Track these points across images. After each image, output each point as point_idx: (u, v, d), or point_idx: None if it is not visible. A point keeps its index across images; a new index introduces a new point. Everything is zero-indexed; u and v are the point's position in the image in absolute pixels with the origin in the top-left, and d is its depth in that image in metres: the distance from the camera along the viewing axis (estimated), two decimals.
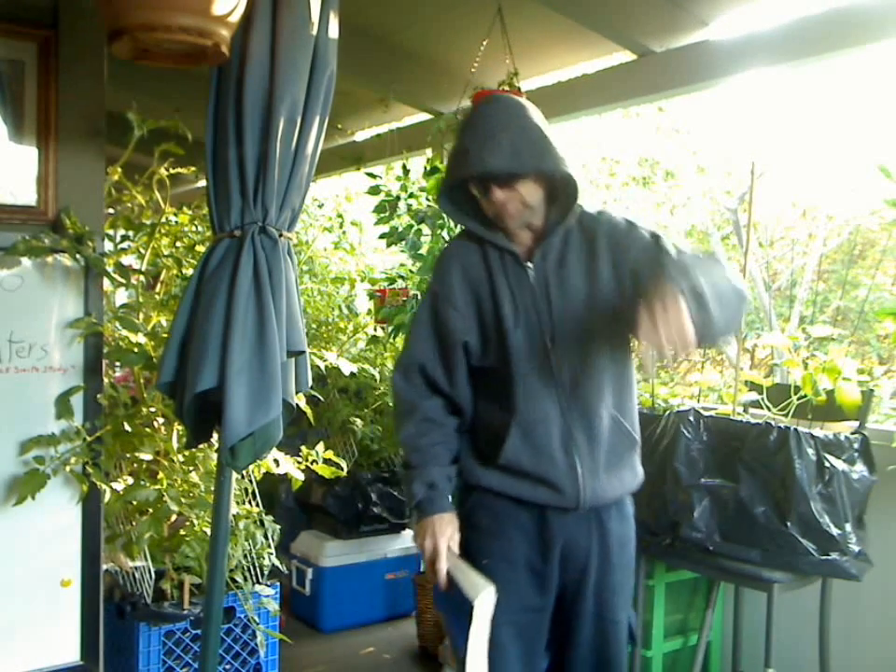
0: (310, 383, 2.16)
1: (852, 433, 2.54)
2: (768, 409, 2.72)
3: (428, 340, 2.01)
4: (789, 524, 2.38)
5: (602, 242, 1.93)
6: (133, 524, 2.61)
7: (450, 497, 1.97)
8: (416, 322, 2.06)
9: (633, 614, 2.11)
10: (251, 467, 2.55)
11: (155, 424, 2.64)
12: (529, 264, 1.93)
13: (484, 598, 1.79)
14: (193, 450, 2.59)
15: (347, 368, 3.17)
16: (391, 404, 2.11)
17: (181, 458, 2.66)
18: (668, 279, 1.66)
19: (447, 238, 3.55)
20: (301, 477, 2.68)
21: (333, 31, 2.03)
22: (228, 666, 2.73)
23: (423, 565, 1.98)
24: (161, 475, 2.62)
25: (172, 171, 2.61)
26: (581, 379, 1.91)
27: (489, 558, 1.95)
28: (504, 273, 1.95)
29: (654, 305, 1.61)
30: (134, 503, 2.52)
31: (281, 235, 1.99)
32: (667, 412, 2.75)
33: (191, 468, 2.68)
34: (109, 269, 2.46)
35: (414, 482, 1.96)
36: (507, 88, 3.28)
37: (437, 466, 1.97)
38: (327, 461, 2.74)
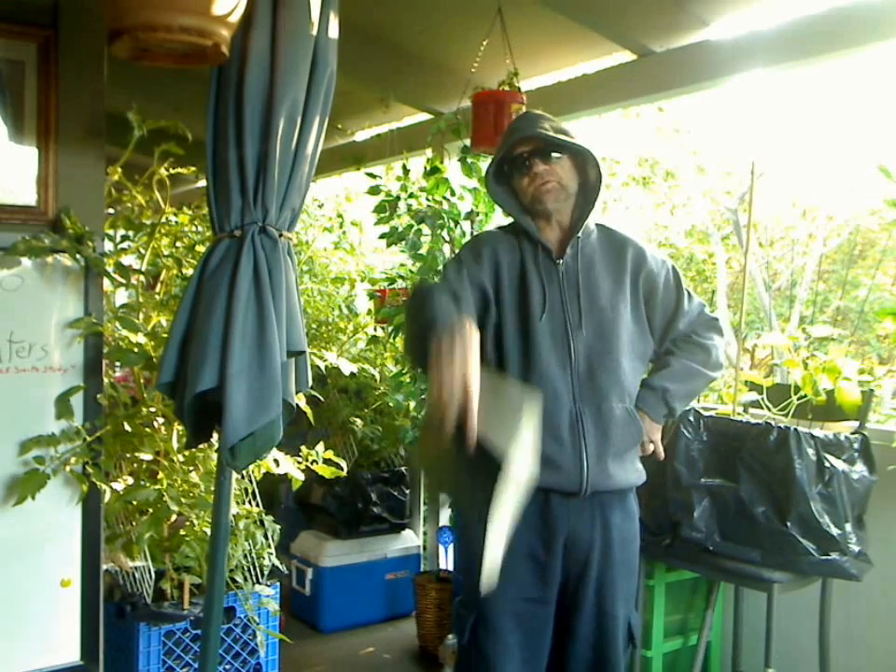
0: (310, 383, 2.16)
1: (852, 433, 2.54)
2: (768, 409, 2.72)
3: (456, 280, 2.08)
4: (789, 524, 2.38)
5: (629, 261, 2.15)
6: (133, 524, 2.61)
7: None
8: (444, 276, 2.14)
9: (635, 615, 2.13)
10: (251, 467, 2.55)
11: (155, 424, 2.64)
12: (560, 260, 2.10)
13: (521, 461, 1.51)
14: (193, 450, 2.59)
15: (347, 368, 3.17)
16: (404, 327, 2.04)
17: (181, 458, 2.66)
18: (652, 411, 2.11)
19: (447, 238, 3.55)
20: (302, 477, 2.68)
21: (333, 31, 2.03)
22: (228, 666, 2.73)
23: (444, 398, 1.52)
24: (160, 475, 2.62)
25: (172, 171, 2.61)
26: (598, 369, 2.04)
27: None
28: (535, 264, 2.10)
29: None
30: (134, 503, 2.52)
31: (281, 235, 1.99)
32: None
33: (191, 468, 2.68)
34: (109, 269, 2.46)
35: (431, 300, 1.83)
36: (507, 88, 3.28)
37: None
38: (327, 461, 2.74)
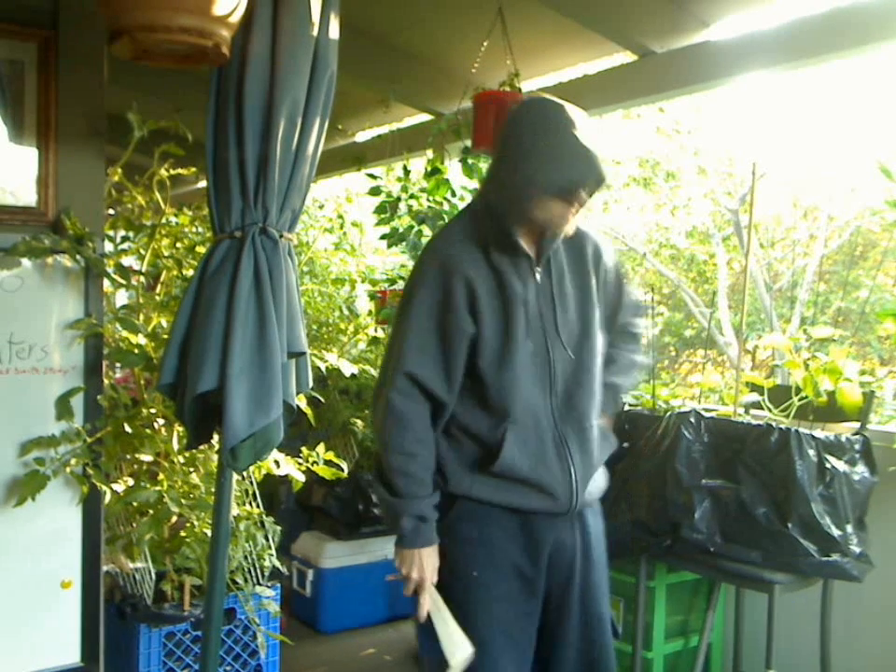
0: (310, 384, 2.16)
1: (853, 434, 2.53)
2: (769, 410, 2.72)
3: (426, 348, 1.87)
4: (790, 525, 2.38)
5: (590, 258, 2.01)
6: (134, 525, 2.61)
7: (435, 527, 1.91)
8: (409, 329, 1.88)
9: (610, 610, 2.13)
10: (252, 468, 2.55)
11: (155, 425, 2.64)
12: (538, 268, 1.93)
13: (461, 659, 1.82)
14: (194, 451, 2.59)
15: (348, 369, 3.16)
16: (377, 416, 1.93)
17: (181, 460, 2.66)
18: (608, 409, 2.08)
19: None
20: (302, 478, 2.68)
21: (334, 31, 2.03)
22: (228, 668, 2.72)
23: (405, 590, 1.92)
24: (161, 476, 2.61)
25: (172, 172, 2.61)
26: (574, 388, 1.94)
27: (476, 569, 1.92)
28: (519, 279, 1.90)
29: None
30: (135, 504, 2.52)
31: (282, 236, 1.99)
32: (668, 413, 2.75)
33: (192, 469, 2.68)
34: (109, 270, 2.46)
35: (403, 514, 1.88)
36: (507, 88, 3.27)
37: (426, 497, 1.89)
38: (327, 462, 2.74)
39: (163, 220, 2.69)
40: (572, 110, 1.88)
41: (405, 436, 1.88)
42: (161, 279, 2.86)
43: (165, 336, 2.36)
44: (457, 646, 1.84)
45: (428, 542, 1.90)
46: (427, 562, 1.89)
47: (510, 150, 1.89)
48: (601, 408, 2.02)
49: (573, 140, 1.83)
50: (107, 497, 2.49)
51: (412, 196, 3.57)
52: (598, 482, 2.04)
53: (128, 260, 2.63)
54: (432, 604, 1.90)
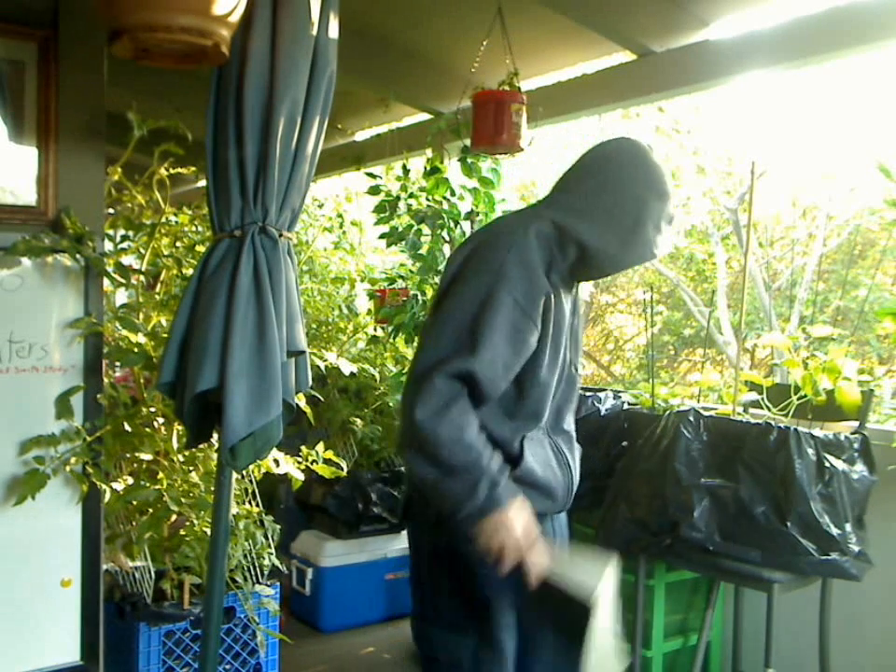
0: (310, 383, 2.16)
1: (852, 433, 2.54)
2: (768, 409, 2.72)
3: (498, 349, 1.72)
4: (789, 524, 2.38)
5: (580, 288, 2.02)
6: (133, 524, 2.61)
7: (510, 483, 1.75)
8: (485, 325, 1.72)
9: None
10: (251, 467, 2.55)
11: (155, 424, 2.64)
12: (573, 290, 1.93)
13: (609, 577, 1.65)
14: (193, 450, 2.59)
15: (347, 368, 3.17)
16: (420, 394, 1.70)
17: (181, 458, 2.66)
18: None
19: (447, 238, 3.55)
20: (302, 477, 2.68)
21: (333, 31, 2.03)
22: (228, 666, 2.73)
23: (499, 569, 1.68)
24: (161, 475, 2.62)
25: (172, 171, 2.61)
26: (565, 405, 1.99)
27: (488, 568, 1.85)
28: (566, 300, 1.87)
29: None
30: (134, 503, 2.52)
31: (281, 235, 1.99)
32: (667, 412, 2.76)
33: (191, 468, 2.68)
34: (109, 269, 2.46)
35: (475, 483, 1.66)
36: (507, 88, 3.28)
37: (494, 459, 1.71)
38: (327, 461, 2.74)
39: (163, 219, 2.69)
40: (667, 180, 1.89)
41: (453, 404, 1.69)
42: (161, 278, 2.86)
43: (165, 335, 2.36)
44: (597, 569, 1.66)
45: (508, 499, 1.70)
46: (515, 521, 1.69)
47: (617, 210, 1.83)
48: None
49: (660, 214, 1.84)
50: (107, 496, 2.49)
51: (411, 195, 3.57)
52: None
53: (128, 259, 2.63)
54: (549, 562, 1.68)
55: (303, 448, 2.75)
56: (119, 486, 2.55)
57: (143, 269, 2.64)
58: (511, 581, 1.81)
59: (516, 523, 1.69)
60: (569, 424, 2.03)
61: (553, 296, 1.80)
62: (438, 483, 1.69)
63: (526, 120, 3.24)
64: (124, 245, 2.66)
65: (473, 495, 1.66)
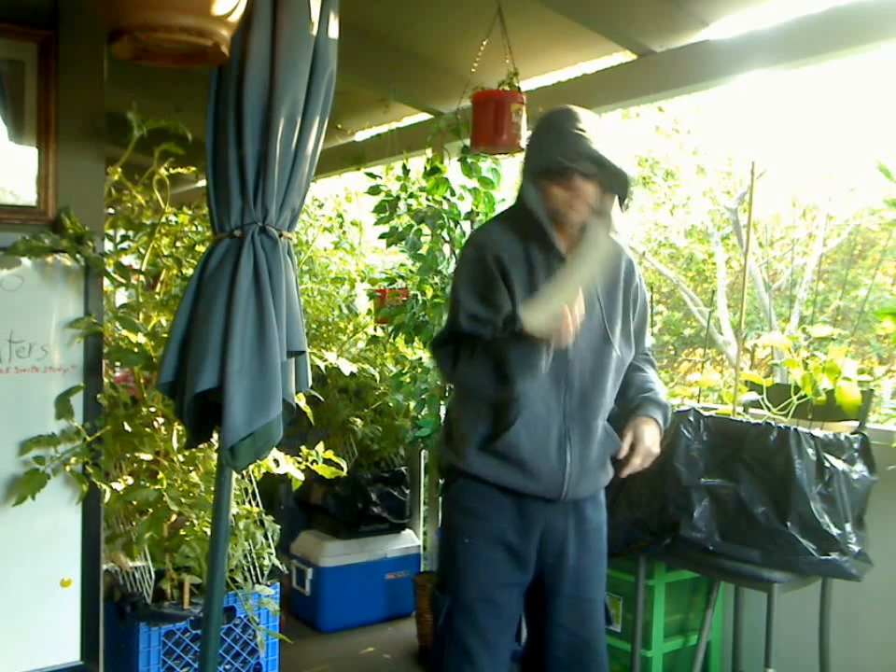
0: (310, 383, 2.16)
1: (852, 433, 2.54)
2: (768, 409, 2.72)
3: (472, 291, 2.05)
4: (789, 524, 2.38)
5: (623, 272, 2.13)
6: (133, 524, 2.61)
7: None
8: (458, 291, 2.08)
9: (605, 596, 2.23)
10: (251, 467, 2.55)
11: (155, 424, 2.64)
12: None
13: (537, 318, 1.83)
14: (193, 450, 2.59)
15: (347, 368, 3.17)
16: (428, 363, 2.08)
17: (181, 458, 2.66)
18: (648, 414, 2.09)
19: (447, 238, 3.55)
20: (301, 477, 2.68)
21: (333, 31, 2.03)
22: (228, 666, 2.72)
23: (560, 341, 1.85)
24: (161, 475, 2.61)
25: (172, 171, 2.61)
26: (590, 388, 2.06)
27: (471, 537, 2.06)
28: (547, 271, 2.02)
29: (638, 443, 2.05)
30: (134, 503, 2.52)
31: (281, 235, 1.99)
32: None
33: (191, 468, 2.68)
34: (109, 269, 2.46)
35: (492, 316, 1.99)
36: (507, 88, 3.27)
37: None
38: (327, 461, 2.74)
39: (163, 219, 2.68)
40: (580, 112, 2.02)
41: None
42: (161, 278, 2.86)
43: (165, 335, 2.36)
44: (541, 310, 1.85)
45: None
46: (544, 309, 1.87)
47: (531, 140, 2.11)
48: (659, 420, 2.11)
49: (561, 128, 1.99)
50: (107, 496, 2.49)
51: (411, 195, 3.57)
52: (597, 477, 2.14)
53: (128, 259, 2.63)
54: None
55: (303, 448, 2.75)
56: (119, 486, 2.55)
57: (143, 269, 2.64)
58: (482, 559, 2.03)
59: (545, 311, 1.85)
60: (593, 414, 2.07)
61: (526, 268, 2.03)
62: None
63: (526, 120, 3.24)
64: (124, 245, 2.65)
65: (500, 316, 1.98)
